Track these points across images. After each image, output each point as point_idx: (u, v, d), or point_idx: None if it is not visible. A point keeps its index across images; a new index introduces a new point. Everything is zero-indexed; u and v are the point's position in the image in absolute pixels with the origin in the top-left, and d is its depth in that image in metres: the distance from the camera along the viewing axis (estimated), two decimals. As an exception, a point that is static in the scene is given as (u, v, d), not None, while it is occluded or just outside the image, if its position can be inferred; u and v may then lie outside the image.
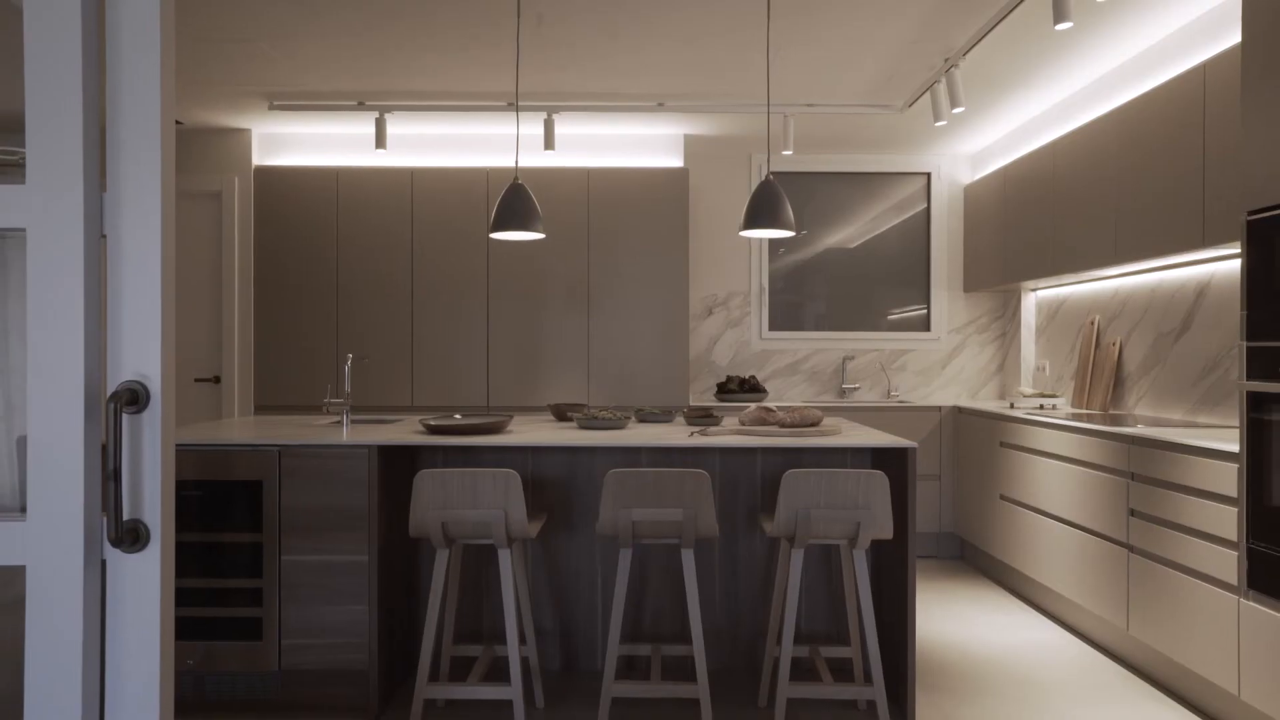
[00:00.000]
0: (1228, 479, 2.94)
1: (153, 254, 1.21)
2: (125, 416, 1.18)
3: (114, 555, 1.19)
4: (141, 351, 1.20)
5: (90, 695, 1.21)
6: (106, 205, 1.23)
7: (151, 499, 1.19)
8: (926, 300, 6.28)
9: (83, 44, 1.20)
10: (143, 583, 1.19)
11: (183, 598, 3.15)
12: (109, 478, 1.15)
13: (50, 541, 1.19)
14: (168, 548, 1.20)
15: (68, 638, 1.19)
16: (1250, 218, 2.87)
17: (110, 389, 1.19)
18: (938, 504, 5.59)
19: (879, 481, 2.83)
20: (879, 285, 6.32)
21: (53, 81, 1.20)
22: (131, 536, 1.17)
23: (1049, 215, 4.87)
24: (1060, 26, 3.23)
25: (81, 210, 1.21)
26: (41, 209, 1.21)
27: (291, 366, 5.63)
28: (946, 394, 6.23)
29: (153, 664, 1.19)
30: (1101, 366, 4.77)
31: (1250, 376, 2.85)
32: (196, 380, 5.86)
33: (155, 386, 1.20)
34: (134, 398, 1.18)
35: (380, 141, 5.25)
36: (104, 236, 1.23)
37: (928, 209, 6.29)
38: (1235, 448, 2.91)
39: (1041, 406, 5.00)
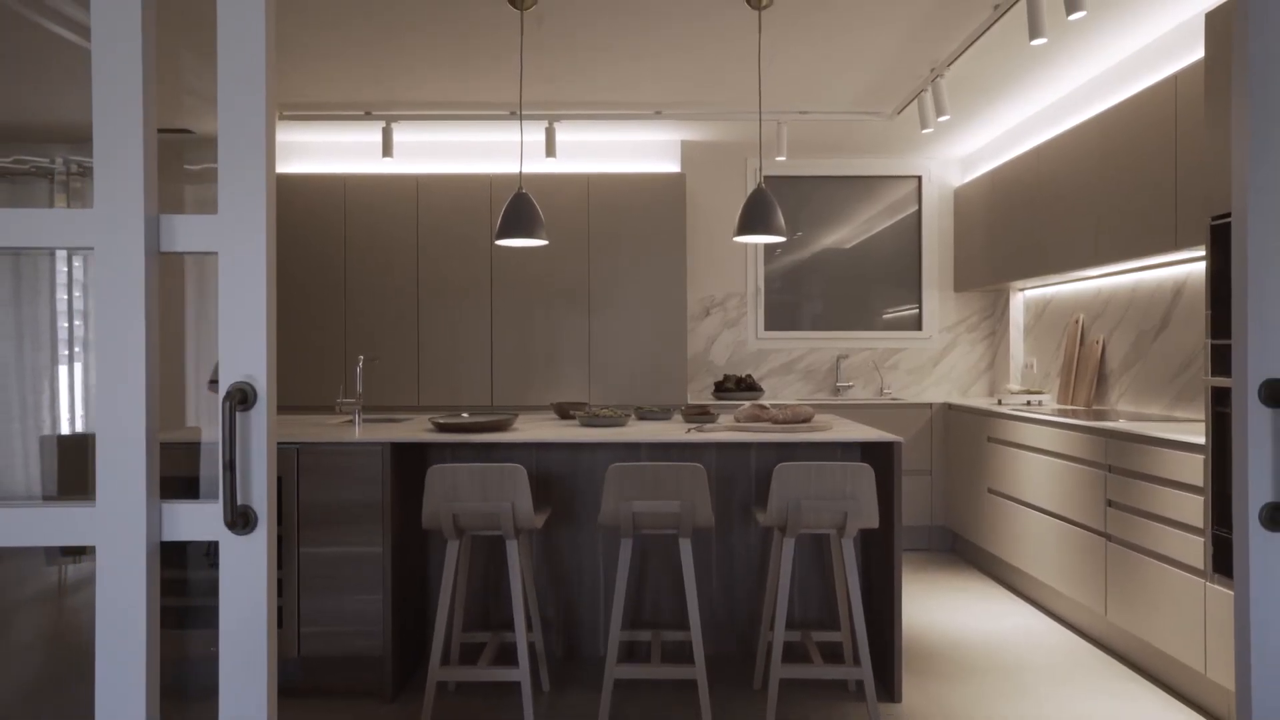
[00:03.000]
0: (1195, 470, 3.10)
1: (259, 269, 1.34)
2: (237, 414, 1.32)
3: (226, 537, 1.34)
4: (249, 356, 1.34)
5: (153, 659, 1.38)
6: (212, 225, 1.36)
7: (259, 487, 1.33)
8: (918, 300, 6.45)
9: (143, 88, 1.36)
10: (252, 560, 1.34)
11: (208, 588, 3.32)
12: (225, 468, 1.29)
13: (117, 524, 1.36)
14: (271, 530, 1.35)
15: (133, 610, 1.36)
16: (1215, 222, 3.04)
17: (223, 391, 1.32)
18: (929, 498, 5.75)
19: (865, 473, 2.99)
20: (873, 285, 6.48)
21: (118, 120, 1.36)
22: (243, 520, 1.32)
23: (1035, 218, 5.03)
24: (1035, 42, 3.39)
25: (142, 231, 1.37)
26: (107, 230, 1.37)
27: (299, 368, 5.78)
28: (938, 391, 6.39)
29: (261, 628, 1.34)
30: (1085, 364, 4.93)
31: (1214, 373, 3.01)
32: (211, 382, 6.02)
33: (262, 387, 1.34)
34: (244, 397, 1.32)
35: (387, 150, 5.42)
36: (216, 254, 1.35)
37: (919, 211, 6.45)
38: (1202, 440, 3.08)
39: (1029, 403, 5.15)
